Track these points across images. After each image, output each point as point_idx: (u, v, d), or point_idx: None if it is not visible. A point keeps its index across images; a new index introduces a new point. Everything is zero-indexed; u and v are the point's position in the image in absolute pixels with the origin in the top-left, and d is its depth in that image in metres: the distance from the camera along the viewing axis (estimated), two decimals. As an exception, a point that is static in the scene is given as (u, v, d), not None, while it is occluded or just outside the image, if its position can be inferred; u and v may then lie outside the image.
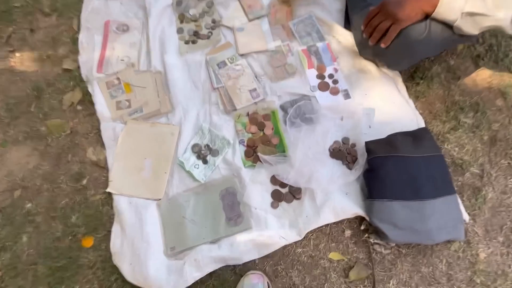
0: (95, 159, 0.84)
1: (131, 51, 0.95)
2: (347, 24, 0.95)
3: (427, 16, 0.72)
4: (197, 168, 0.80)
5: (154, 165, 0.82)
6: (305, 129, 0.81)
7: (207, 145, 0.83)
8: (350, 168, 0.80)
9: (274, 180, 0.79)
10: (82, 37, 0.99)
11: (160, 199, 0.78)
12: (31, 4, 1.07)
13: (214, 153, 0.82)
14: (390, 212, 0.68)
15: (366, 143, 0.78)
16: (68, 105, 0.91)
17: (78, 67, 0.95)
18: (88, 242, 0.76)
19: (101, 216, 0.79)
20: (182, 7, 1.01)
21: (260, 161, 0.79)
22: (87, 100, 0.91)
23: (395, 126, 0.82)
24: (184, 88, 0.90)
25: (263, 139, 0.83)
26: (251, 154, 0.82)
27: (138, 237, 0.73)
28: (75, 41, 0.99)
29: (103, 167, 0.84)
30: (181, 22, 0.99)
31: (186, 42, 0.96)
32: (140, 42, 0.97)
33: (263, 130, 0.84)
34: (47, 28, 1.03)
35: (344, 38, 0.94)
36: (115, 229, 0.76)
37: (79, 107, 0.91)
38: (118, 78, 0.91)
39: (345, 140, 0.83)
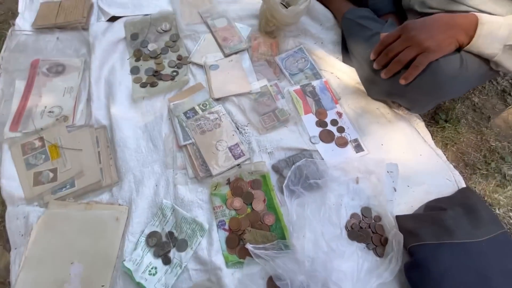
0: (-9, 269, 0.54)
1: (64, 99, 0.70)
2: (346, 57, 0.78)
3: (459, 48, 0.56)
4: (154, 275, 0.52)
5: (85, 274, 0.52)
6: (311, 201, 0.57)
7: (170, 233, 0.56)
8: (379, 255, 0.56)
9: (272, 285, 0.52)
10: (-4, 82, 0.73)
11: (91, 336, 0.48)
12: None
13: (181, 245, 0.55)
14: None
15: (399, 218, 0.55)
16: (-40, 182, 0.61)
17: (-15, 124, 0.67)
18: None
19: None
20: (139, 42, 0.79)
21: (250, 255, 0.53)
22: (-9, 172, 0.62)
23: (429, 187, 0.62)
24: (138, 149, 0.64)
25: (252, 218, 0.58)
26: (236, 244, 0.55)
27: None
28: (-14, 88, 0.72)
29: (1, 283, 0.53)
30: (137, 59, 0.77)
31: (143, 85, 0.73)
32: (79, 87, 0.72)
33: (251, 203, 0.59)
34: (-50, 71, 0.76)
35: (345, 73, 0.75)
36: None
37: (-23, 184, 0.62)
38: (41, 138, 0.64)
39: (366, 212, 0.60)
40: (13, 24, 0.81)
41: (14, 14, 0.85)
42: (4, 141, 0.64)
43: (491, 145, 0.69)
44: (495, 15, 0.54)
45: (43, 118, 0.67)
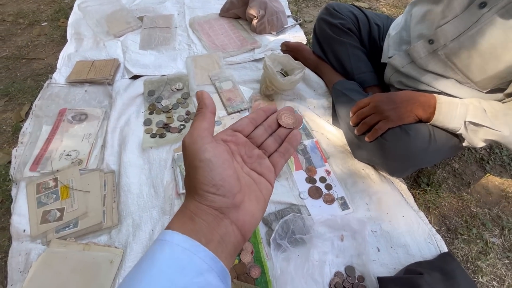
0: (-16, 306, 0.56)
1: (82, 144, 0.79)
2: (335, 121, 0.87)
3: (426, 121, 0.64)
4: (138, 323, 0.53)
5: (72, 317, 0.54)
6: (295, 257, 0.60)
7: (159, 280, 0.58)
8: (361, 318, 0.56)
9: None
10: (27, 125, 0.83)
11: None
12: (-19, 88, 0.94)
13: (168, 293, 0.57)
14: None
15: (380, 280, 0.57)
16: (-25, 215, 0.67)
17: (9, 163, 0.75)
18: None
19: None
20: (154, 97, 0.91)
21: (234, 308, 0.54)
22: (4, 208, 0.68)
23: (411, 249, 0.64)
24: (140, 194, 0.70)
25: (238, 269, 0.60)
26: (221, 295, 0.57)
27: None
28: (17, 131, 0.82)
29: (-9, 320, 0.55)
30: (151, 113, 0.87)
31: (153, 136, 0.82)
32: (97, 134, 0.81)
33: (239, 254, 0.62)
34: (-11, 114, 0.87)
35: (334, 135, 0.84)
36: None
37: (-10, 218, 0.67)
38: (55, 179, 0.71)
39: (350, 271, 0.62)
40: (51, 78, 0.95)
41: (53, 68, 1.00)
42: (23, 179, 0.71)
43: (472, 210, 0.73)
44: (459, 97, 0.64)
45: (61, 161, 0.75)
